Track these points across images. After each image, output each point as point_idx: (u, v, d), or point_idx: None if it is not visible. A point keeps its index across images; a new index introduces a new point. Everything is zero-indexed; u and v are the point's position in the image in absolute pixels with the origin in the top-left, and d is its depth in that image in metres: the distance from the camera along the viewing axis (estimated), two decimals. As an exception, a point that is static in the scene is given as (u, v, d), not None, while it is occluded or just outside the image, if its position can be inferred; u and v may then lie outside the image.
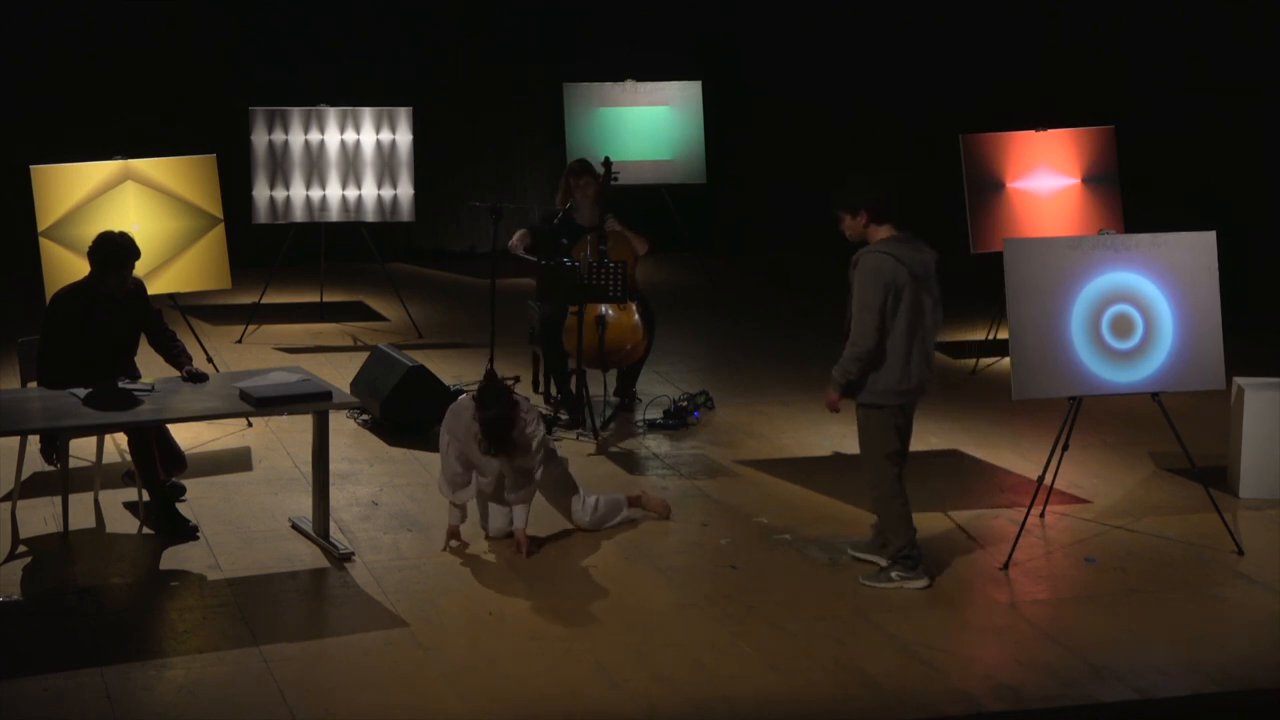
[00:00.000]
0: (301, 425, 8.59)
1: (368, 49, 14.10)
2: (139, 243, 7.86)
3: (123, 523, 7.79)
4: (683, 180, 13.59)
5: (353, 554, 7.39)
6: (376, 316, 12.42)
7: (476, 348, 10.95)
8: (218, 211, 9.90)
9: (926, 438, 9.44)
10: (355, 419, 9.47)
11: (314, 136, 11.64)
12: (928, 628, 6.77)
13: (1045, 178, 10.99)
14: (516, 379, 10.29)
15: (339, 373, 10.07)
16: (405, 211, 11.89)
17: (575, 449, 9.05)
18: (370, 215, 11.83)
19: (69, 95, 13.16)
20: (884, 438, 7.16)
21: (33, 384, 7.91)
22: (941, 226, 12.40)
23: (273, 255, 12.00)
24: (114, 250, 7.70)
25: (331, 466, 7.68)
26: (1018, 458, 9.05)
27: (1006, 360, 9.44)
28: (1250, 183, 12.15)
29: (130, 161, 9.71)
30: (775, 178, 14.71)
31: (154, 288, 9.06)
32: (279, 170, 11.58)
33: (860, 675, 6.33)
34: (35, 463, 8.03)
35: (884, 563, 7.33)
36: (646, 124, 13.52)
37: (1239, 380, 8.43)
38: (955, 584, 7.27)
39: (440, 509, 8.03)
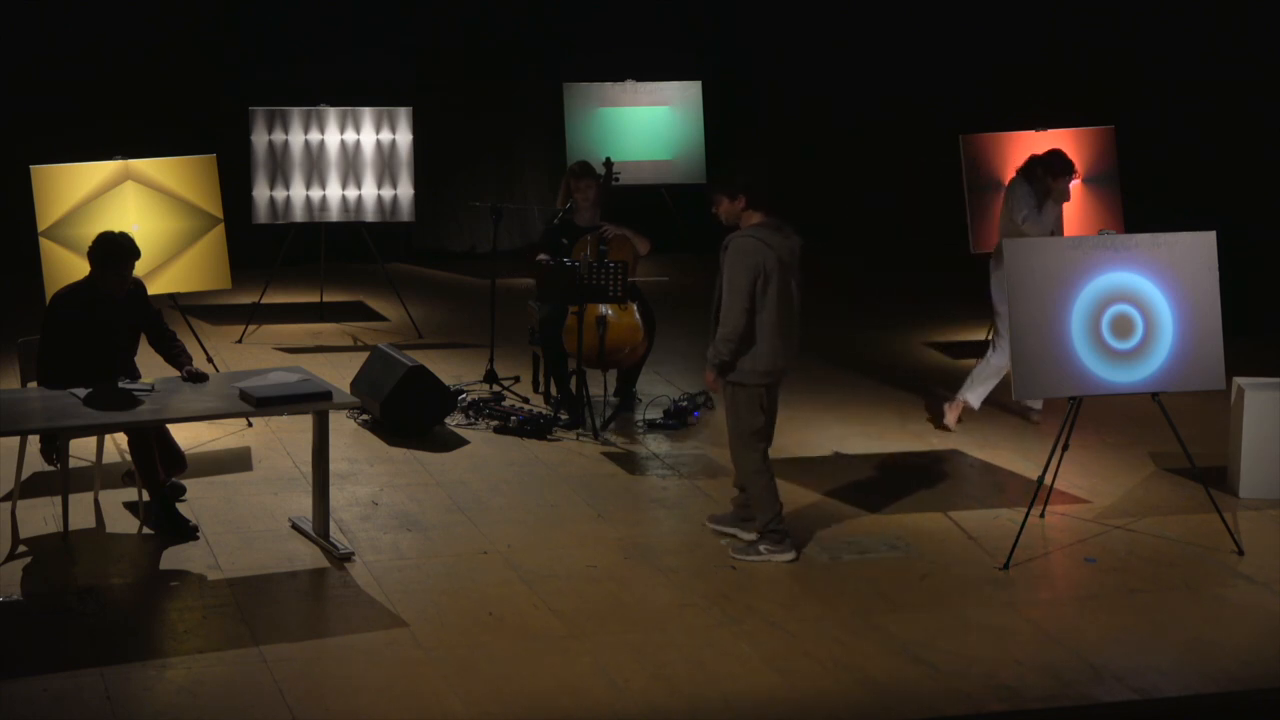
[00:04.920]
0: (301, 425, 8.59)
1: (368, 49, 14.09)
2: (139, 243, 7.86)
3: (123, 523, 7.79)
4: (683, 180, 13.59)
5: (353, 554, 7.39)
6: (376, 316, 12.42)
7: (476, 348, 10.95)
8: (218, 211, 9.90)
9: (927, 438, 9.45)
10: (355, 419, 9.47)
11: (314, 136, 11.64)
12: (928, 628, 6.78)
13: (1045, 178, 10.97)
14: (516, 379, 10.29)
15: (339, 373, 10.07)
16: (405, 211, 11.89)
17: (575, 449, 9.05)
18: (370, 215, 11.82)
19: (69, 95, 13.15)
20: (751, 415, 7.43)
21: (33, 384, 7.91)
22: (941, 226, 12.45)
23: (273, 255, 12.00)
24: (114, 250, 7.70)
25: (331, 466, 7.68)
26: (1018, 458, 9.04)
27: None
28: (1250, 183, 12.15)
29: (130, 161, 9.71)
30: (774, 178, 14.70)
31: (154, 288, 9.06)
32: (279, 170, 11.58)
33: (860, 675, 6.33)
34: (35, 463, 8.02)
35: (746, 536, 7.57)
36: (646, 124, 13.53)
37: (1239, 380, 8.43)
38: (955, 584, 7.28)
39: (439, 510, 8.04)
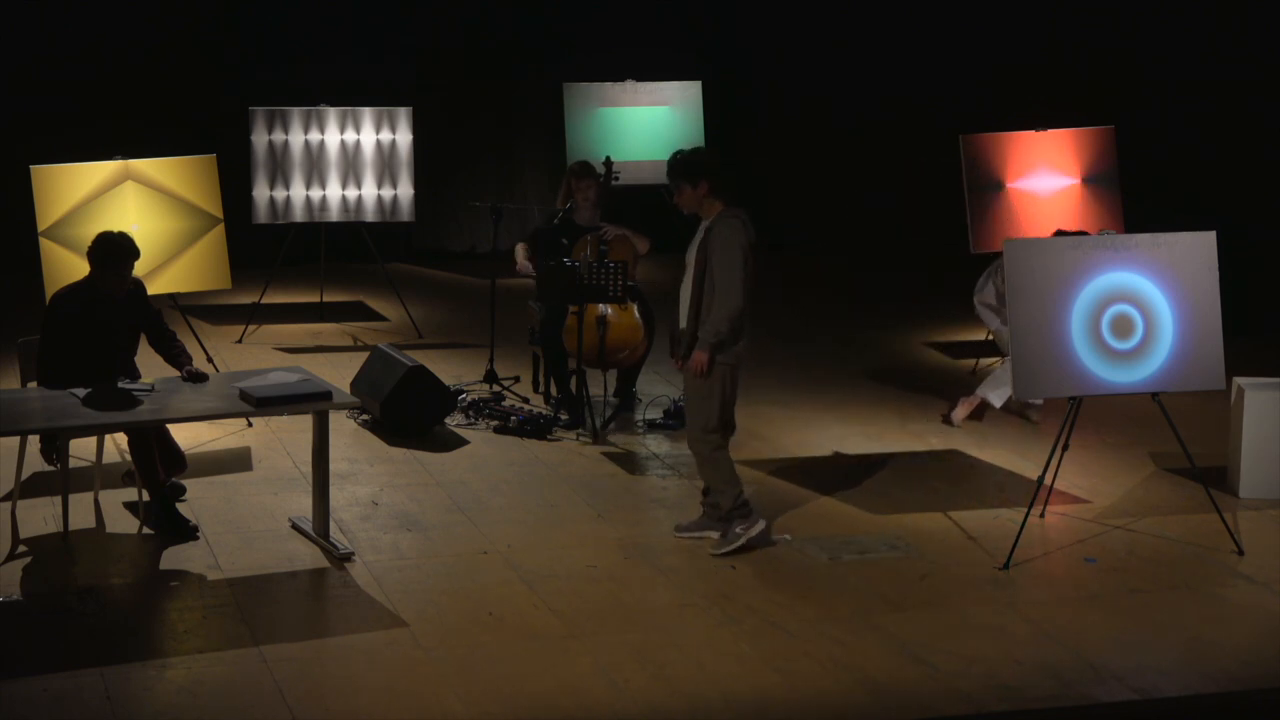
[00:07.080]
0: (301, 425, 8.59)
1: (368, 49, 14.10)
2: (139, 243, 7.86)
3: (123, 523, 7.79)
4: (683, 180, 13.56)
5: (353, 554, 7.39)
6: (376, 316, 12.42)
7: (476, 348, 10.95)
8: (218, 211, 9.90)
9: (927, 438, 9.45)
10: (355, 419, 9.47)
11: (314, 136, 11.64)
12: (928, 628, 6.78)
13: (1045, 178, 10.99)
14: (516, 379, 10.29)
15: (339, 373, 10.07)
16: (405, 211, 11.90)
17: (575, 449, 9.05)
18: (370, 215, 11.83)
19: (69, 95, 13.15)
20: (725, 395, 7.51)
21: (33, 384, 7.91)
22: (941, 226, 12.44)
23: (273, 255, 12.00)
24: (114, 250, 7.70)
25: (331, 466, 7.68)
26: (1018, 458, 9.04)
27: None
28: (1250, 183, 12.15)
29: (130, 161, 9.71)
30: (775, 178, 14.71)
31: (154, 288, 9.06)
32: (279, 170, 11.58)
33: (860, 675, 6.33)
34: (35, 463, 8.02)
35: (715, 535, 7.58)
36: (646, 124, 13.51)
37: (1239, 380, 8.43)
38: (955, 584, 7.28)
39: (439, 510, 8.04)
